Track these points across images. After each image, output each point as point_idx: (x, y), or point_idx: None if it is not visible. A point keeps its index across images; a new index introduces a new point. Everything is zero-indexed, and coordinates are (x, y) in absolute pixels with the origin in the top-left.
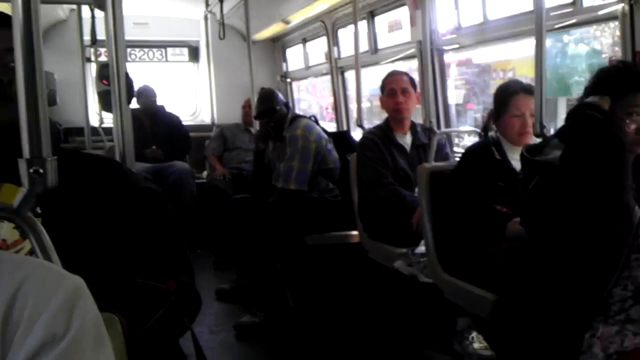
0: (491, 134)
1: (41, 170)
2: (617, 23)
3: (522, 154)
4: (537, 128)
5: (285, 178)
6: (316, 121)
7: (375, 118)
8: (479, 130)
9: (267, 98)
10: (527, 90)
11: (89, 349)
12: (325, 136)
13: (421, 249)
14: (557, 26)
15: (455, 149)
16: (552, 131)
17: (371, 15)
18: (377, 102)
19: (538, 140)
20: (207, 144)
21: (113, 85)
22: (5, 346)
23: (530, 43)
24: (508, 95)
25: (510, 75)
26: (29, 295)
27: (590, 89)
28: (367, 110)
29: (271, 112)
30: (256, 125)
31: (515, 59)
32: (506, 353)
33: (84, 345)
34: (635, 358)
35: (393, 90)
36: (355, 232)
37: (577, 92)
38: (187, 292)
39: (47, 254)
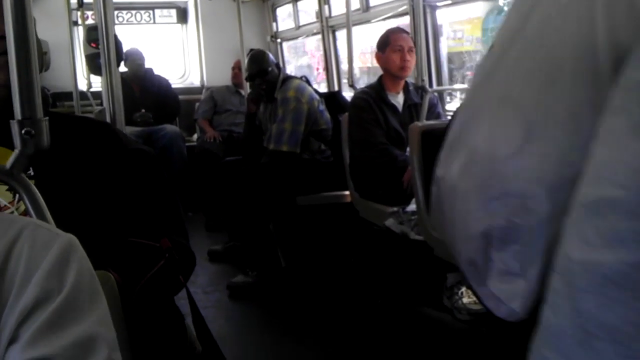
0: None
1: (33, 132)
2: None
3: None
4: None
5: (277, 140)
6: (307, 82)
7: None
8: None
9: (258, 59)
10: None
11: (84, 305)
12: (317, 97)
13: (412, 207)
14: None
15: (448, 106)
16: None
17: None
18: (366, 62)
19: None
20: (197, 107)
21: (102, 48)
22: (1, 304)
23: None
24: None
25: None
26: (22, 253)
27: None
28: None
29: (263, 74)
30: (246, 87)
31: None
32: None
33: (79, 300)
34: None
35: (401, 47)
36: (346, 192)
37: None
38: (181, 251)
39: (41, 214)
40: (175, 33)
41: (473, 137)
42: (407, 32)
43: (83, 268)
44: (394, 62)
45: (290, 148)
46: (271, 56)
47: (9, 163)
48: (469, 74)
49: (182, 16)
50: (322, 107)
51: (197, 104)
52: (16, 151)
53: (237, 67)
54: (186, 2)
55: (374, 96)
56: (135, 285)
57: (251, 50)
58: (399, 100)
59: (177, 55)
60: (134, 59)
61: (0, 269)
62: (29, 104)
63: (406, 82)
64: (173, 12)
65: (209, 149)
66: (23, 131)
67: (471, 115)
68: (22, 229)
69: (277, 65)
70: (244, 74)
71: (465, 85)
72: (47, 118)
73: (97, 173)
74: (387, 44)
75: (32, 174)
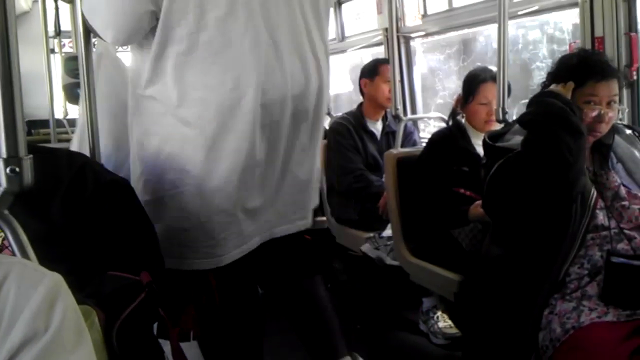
0: (458, 118)
1: (17, 169)
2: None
3: (484, 140)
4: (499, 114)
5: None
6: None
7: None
8: (445, 117)
9: None
10: (495, 79)
11: (70, 344)
12: None
13: (387, 232)
14: (519, 12)
15: (422, 134)
16: (514, 117)
17: (338, 3)
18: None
19: (500, 126)
20: None
21: (82, 77)
22: None
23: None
24: (476, 85)
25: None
26: (9, 294)
27: (553, 76)
28: (333, 98)
29: None
30: None
31: None
32: (470, 331)
33: (65, 340)
34: (590, 331)
35: (390, 79)
36: (323, 218)
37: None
38: (161, 282)
39: (24, 251)
40: None
41: None
42: None
43: (69, 307)
44: (383, 93)
45: None
46: None
47: None
48: (441, 101)
49: None
50: None
51: None
52: (0, 188)
53: None
54: None
55: (353, 123)
56: (116, 320)
57: None
58: (377, 127)
59: None
60: None
61: None
62: (14, 142)
63: (385, 110)
64: None
65: None
66: (8, 169)
67: None
68: (9, 269)
69: None
70: None
71: (438, 113)
72: (31, 156)
73: (72, 207)
74: (376, 74)
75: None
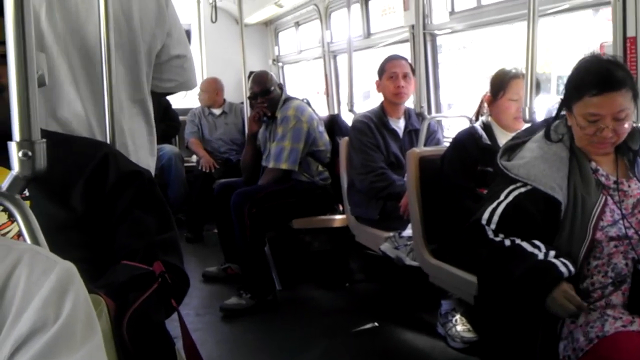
0: (483, 118)
1: (30, 153)
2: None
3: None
4: (526, 114)
5: (276, 158)
6: (308, 104)
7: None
8: (469, 116)
9: (262, 79)
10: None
11: (79, 334)
12: (317, 117)
13: (408, 232)
14: (550, 11)
15: (446, 133)
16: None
17: (365, 0)
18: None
19: (527, 125)
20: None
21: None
22: None
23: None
24: (507, 79)
25: None
26: (20, 281)
27: (568, 81)
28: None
29: (265, 93)
30: (245, 108)
31: None
32: (489, 335)
33: (75, 330)
34: (615, 341)
35: (395, 74)
36: (342, 216)
37: None
38: (174, 274)
39: (34, 236)
40: None
41: None
42: (404, 59)
43: (80, 297)
44: (389, 89)
45: (289, 166)
46: (274, 77)
47: (4, 184)
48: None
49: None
50: (322, 128)
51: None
52: (12, 172)
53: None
54: (189, 24)
55: (375, 121)
56: (127, 310)
57: (251, 72)
58: (399, 125)
59: None
60: None
61: None
62: (27, 126)
63: (407, 108)
64: None
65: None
66: (20, 153)
67: None
68: (21, 256)
69: (280, 85)
70: (247, 94)
71: (462, 113)
72: (44, 140)
73: (93, 196)
74: (383, 72)
75: (27, 194)
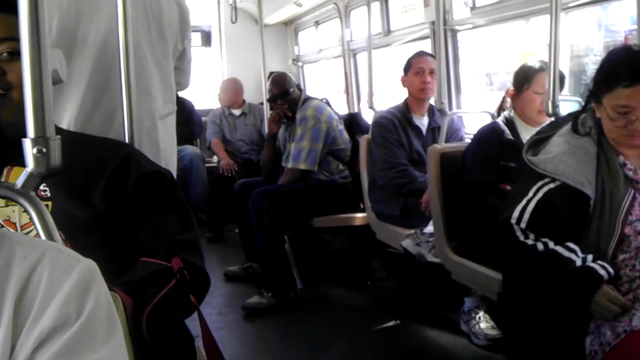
0: (505, 113)
1: (44, 150)
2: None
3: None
4: (549, 107)
5: (295, 158)
6: (328, 103)
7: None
8: (491, 112)
9: (280, 81)
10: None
11: (101, 333)
12: (336, 117)
13: (429, 228)
14: (572, 4)
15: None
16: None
17: None
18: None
19: (551, 119)
20: (207, 128)
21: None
22: (17, 328)
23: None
24: (533, 72)
25: None
26: (42, 278)
27: (597, 72)
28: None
29: (284, 95)
30: (265, 109)
31: None
32: (513, 333)
33: (96, 328)
34: None
35: (422, 69)
36: (363, 214)
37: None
38: (194, 271)
39: (49, 233)
40: (199, 56)
41: None
42: (431, 55)
43: (101, 295)
44: (414, 84)
45: (308, 166)
46: (292, 78)
47: (19, 181)
48: None
49: (206, 39)
50: (341, 127)
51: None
52: (27, 169)
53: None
54: (210, 25)
55: (399, 117)
56: (146, 306)
57: (271, 73)
58: (423, 122)
59: (200, 77)
60: None
61: (20, 293)
62: (42, 122)
63: (431, 104)
64: (197, 35)
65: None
66: (34, 150)
67: None
68: (44, 253)
69: (299, 86)
70: (266, 95)
71: (483, 109)
72: (59, 137)
73: (114, 196)
74: (409, 67)
75: (49, 195)
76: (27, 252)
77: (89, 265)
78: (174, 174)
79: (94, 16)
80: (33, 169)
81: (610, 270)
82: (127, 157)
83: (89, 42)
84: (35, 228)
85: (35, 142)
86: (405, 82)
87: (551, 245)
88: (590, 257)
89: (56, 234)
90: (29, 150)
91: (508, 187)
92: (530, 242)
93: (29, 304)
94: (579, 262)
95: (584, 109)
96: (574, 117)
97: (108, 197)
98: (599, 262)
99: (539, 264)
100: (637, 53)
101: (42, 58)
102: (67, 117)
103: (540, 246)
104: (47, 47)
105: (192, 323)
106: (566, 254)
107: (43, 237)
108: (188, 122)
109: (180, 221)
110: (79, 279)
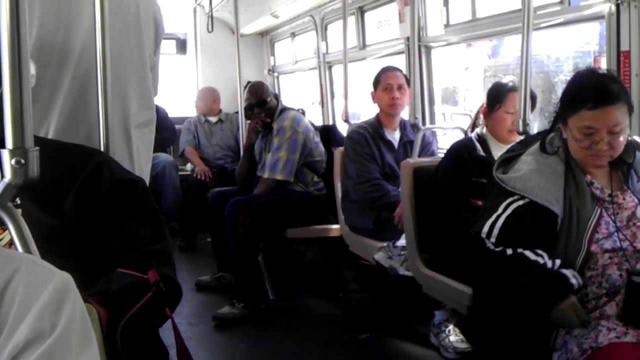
0: (478, 130)
1: (23, 161)
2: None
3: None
4: (519, 126)
5: (272, 168)
6: (303, 113)
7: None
8: (463, 128)
9: (258, 90)
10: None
11: (75, 346)
12: (312, 128)
13: (401, 242)
14: (543, 25)
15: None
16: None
17: (360, 11)
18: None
19: (521, 137)
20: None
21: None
22: None
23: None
24: (505, 92)
25: None
26: (17, 291)
27: (563, 94)
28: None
29: (261, 104)
30: (240, 118)
31: None
32: (483, 346)
33: (70, 342)
34: (609, 352)
35: (390, 85)
36: (336, 226)
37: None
38: (167, 285)
39: (26, 245)
40: (173, 63)
41: None
42: (398, 70)
43: (76, 309)
44: (384, 100)
45: (285, 177)
46: (270, 87)
47: None
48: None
49: (182, 47)
50: (317, 138)
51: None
52: (4, 180)
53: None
54: (186, 33)
55: (370, 131)
56: (121, 319)
57: (249, 82)
58: (395, 136)
59: (174, 85)
60: None
61: None
62: (21, 133)
63: (403, 119)
64: (172, 43)
65: (200, 181)
66: (13, 161)
67: None
68: (18, 266)
69: (276, 96)
70: (243, 104)
71: (456, 124)
72: (37, 148)
73: (83, 203)
74: (378, 83)
75: (18, 202)
76: (2, 266)
77: (64, 278)
78: (147, 182)
79: (73, 26)
80: (10, 179)
81: (580, 281)
82: (100, 165)
83: (68, 52)
84: (12, 240)
85: (13, 153)
86: (374, 97)
87: (519, 250)
88: (558, 262)
89: (33, 245)
90: (7, 161)
91: (479, 203)
92: (498, 249)
93: (4, 317)
94: (549, 264)
95: (551, 129)
96: (542, 136)
97: (79, 205)
98: (572, 270)
99: (508, 266)
100: (602, 76)
101: (23, 66)
102: (44, 127)
103: (509, 251)
104: (27, 55)
105: (164, 333)
106: (533, 257)
107: (20, 248)
108: (160, 129)
109: (152, 230)
110: (54, 292)
